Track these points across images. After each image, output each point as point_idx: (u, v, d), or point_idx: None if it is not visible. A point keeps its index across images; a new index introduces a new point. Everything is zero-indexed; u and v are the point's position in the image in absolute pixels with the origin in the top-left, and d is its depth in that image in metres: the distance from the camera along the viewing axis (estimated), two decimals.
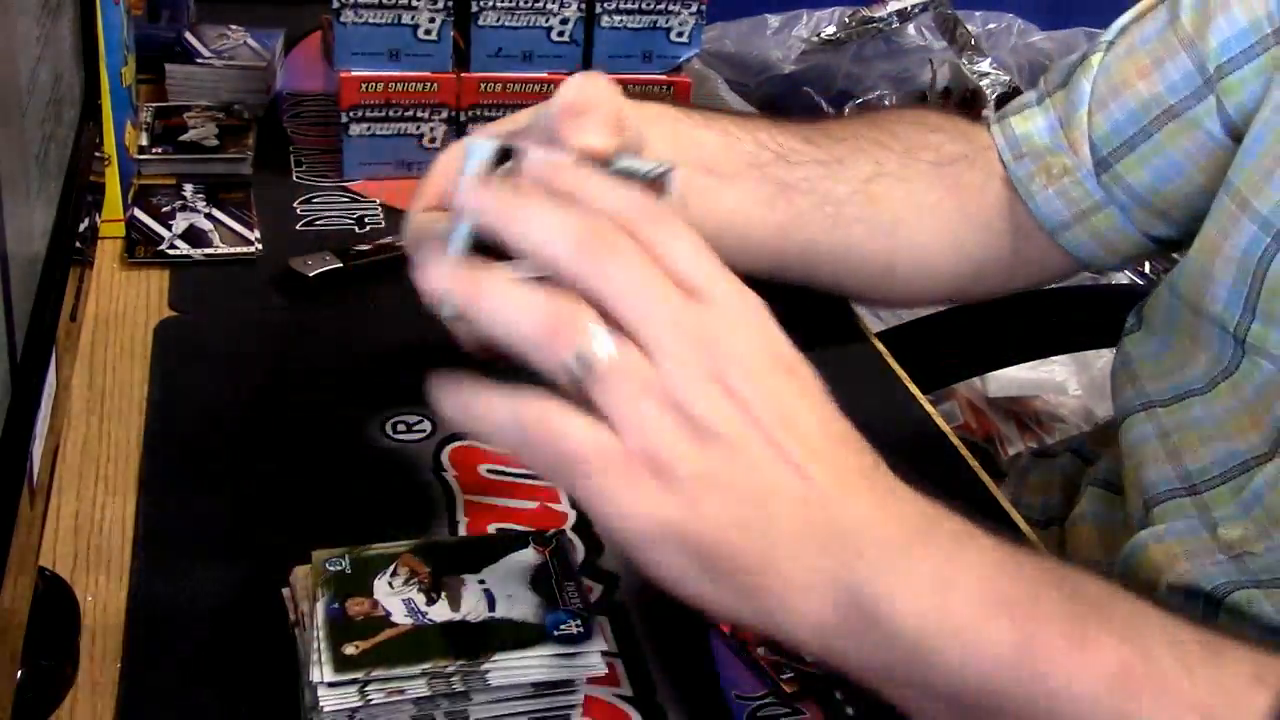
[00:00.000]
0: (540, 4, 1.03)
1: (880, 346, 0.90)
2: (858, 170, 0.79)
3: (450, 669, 0.52)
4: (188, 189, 1.00)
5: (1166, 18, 0.82)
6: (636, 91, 1.07)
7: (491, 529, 0.69)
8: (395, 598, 0.55)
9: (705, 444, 0.45)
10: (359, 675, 0.52)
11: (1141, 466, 0.81)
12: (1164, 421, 0.81)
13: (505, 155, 0.53)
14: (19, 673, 0.54)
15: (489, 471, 0.74)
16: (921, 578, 0.46)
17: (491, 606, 0.55)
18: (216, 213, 0.97)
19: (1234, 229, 0.76)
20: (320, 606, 0.54)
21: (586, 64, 1.06)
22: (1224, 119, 0.78)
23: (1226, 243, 0.76)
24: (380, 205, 1.03)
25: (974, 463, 0.80)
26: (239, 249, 0.94)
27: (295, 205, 1.02)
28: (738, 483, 0.46)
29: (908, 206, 0.81)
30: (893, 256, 0.82)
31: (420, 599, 0.55)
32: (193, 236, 0.94)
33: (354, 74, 1.02)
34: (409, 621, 0.54)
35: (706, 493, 0.45)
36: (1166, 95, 0.80)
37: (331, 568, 0.56)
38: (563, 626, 0.54)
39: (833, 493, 0.47)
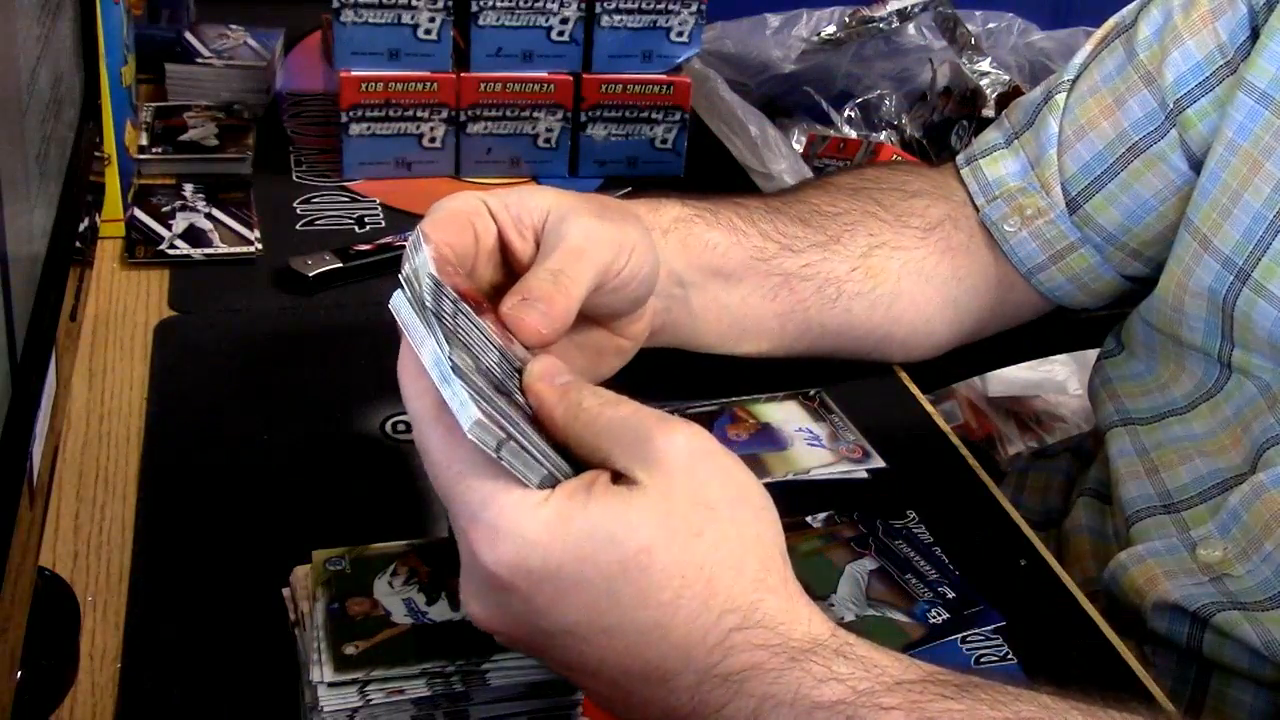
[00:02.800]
0: (540, 4, 1.03)
1: None
2: (855, 246, 0.80)
3: (450, 669, 0.52)
4: (188, 189, 1.00)
5: (1124, 54, 0.82)
6: (638, 91, 1.07)
7: None
8: (395, 597, 0.55)
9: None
10: (359, 675, 0.52)
11: (1121, 482, 0.81)
12: (1144, 439, 0.82)
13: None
14: (19, 673, 0.54)
15: None
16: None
17: None
18: (216, 212, 0.97)
19: (1197, 267, 0.76)
20: (320, 606, 0.54)
21: (586, 64, 1.06)
22: (1187, 153, 0.78)
23: (1191, 280, 0.77)
24: (380, 205, 1.03)
25: (974, 463, 0.80)
26: (239, 249, 0.94)
27: (295, 205, 1.02)
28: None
29: (905, 276, 0.81)
30: (892, 327, 0.83)
31: (420, 599, 0.55)
32: (193, 236, 0.94)
33: (354, 74, 1.02)
34: (409, 621, 0.54)
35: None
36: (1130, 132, 0.80)
37: (331, 567, 0.56)
38: None
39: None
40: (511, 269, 0.63)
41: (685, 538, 0.47)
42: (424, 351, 0.48)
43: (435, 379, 0.47)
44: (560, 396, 0.51)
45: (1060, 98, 0.84)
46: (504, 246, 0.63)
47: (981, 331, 0.88)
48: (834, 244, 0.79)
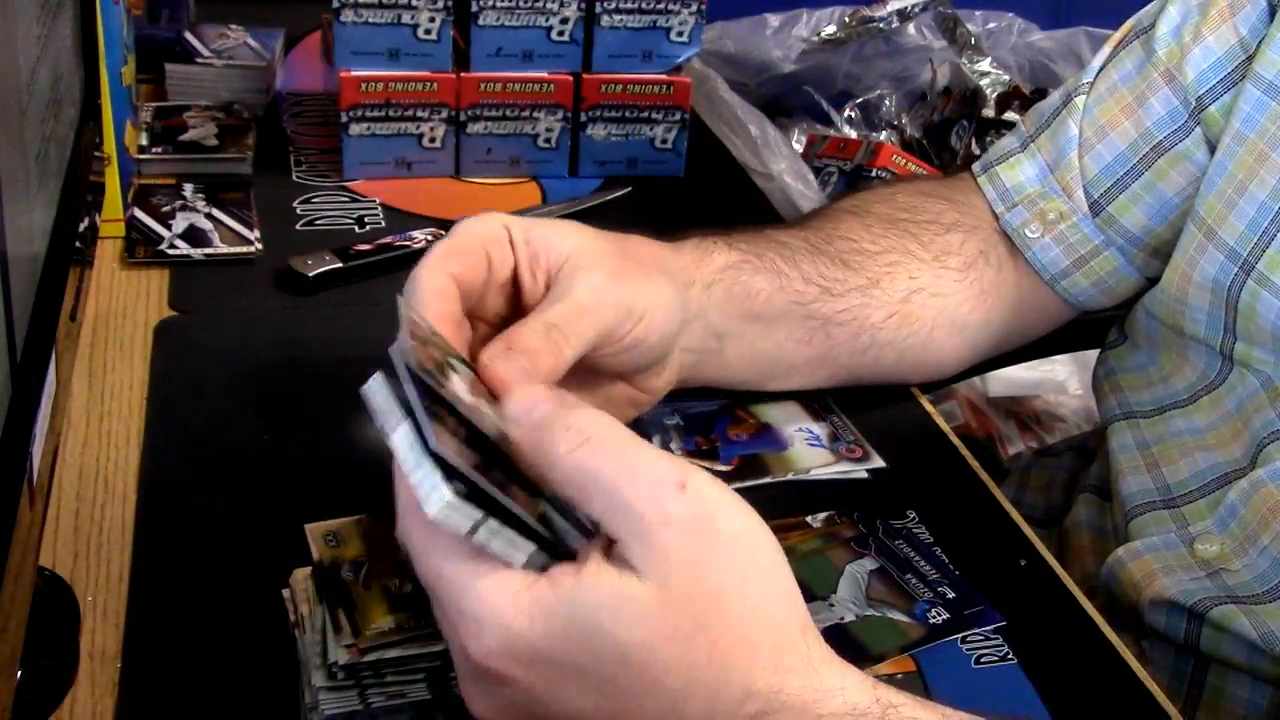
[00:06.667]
0: (540, 4, 1.02)
1: None
2: (894, 290, 0.79)
3: (452, 672, 0.52)
4: (188, 189, 1.00)
5: (1143, 54, 0.81)
6: (638, 91, 1.07)
7: None
8: None
9: None
10: (359, 678, 0.52)
11: (1121, 476, 0.81)
12: (1145, 432, 0.82)
13: None
14: (19, 673, 0.54)
15: None
16: None
17: None
18: (216, 212, 0.97)
19: (1202, 258, 0.76)
20: (320, 610, 0.54)
21: (586, 64, 1.06)
22: (1212, 150, 0.78)
23: (1196, 272, 0.76)
24: (380, 205, 1.03)
25: (974, 463, 0.80)
26: (239, 249, 0.94)
27: (295, 205, 1.02)
28: None
29: (938, 326, 0.81)
30: (912, 372, 0.83)
31: None
32: (193, 236, 0.94)
33: (354, 74, 1.02)
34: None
35: None
36: (1154, 131, 0.80)
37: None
38: None
39: None
40: (519, 304, 0.62)
41: (689, 632, 0.44)
42: (395, 437, 0.45)
43: (406, 466, 0.44)
44: (534, 444, 0.47)
45: (1080, 100, 0.83)
46: (515, 280, 0.62)
47: (994, 354, 0.88)
48: (874, 287, 0.78)
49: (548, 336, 0.57)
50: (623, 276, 0.62)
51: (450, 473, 0.44)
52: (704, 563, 0.45)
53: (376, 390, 0.47)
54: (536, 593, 0.45)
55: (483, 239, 0.61)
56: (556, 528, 0.47)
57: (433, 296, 0.58)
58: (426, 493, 0.43)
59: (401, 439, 0.45)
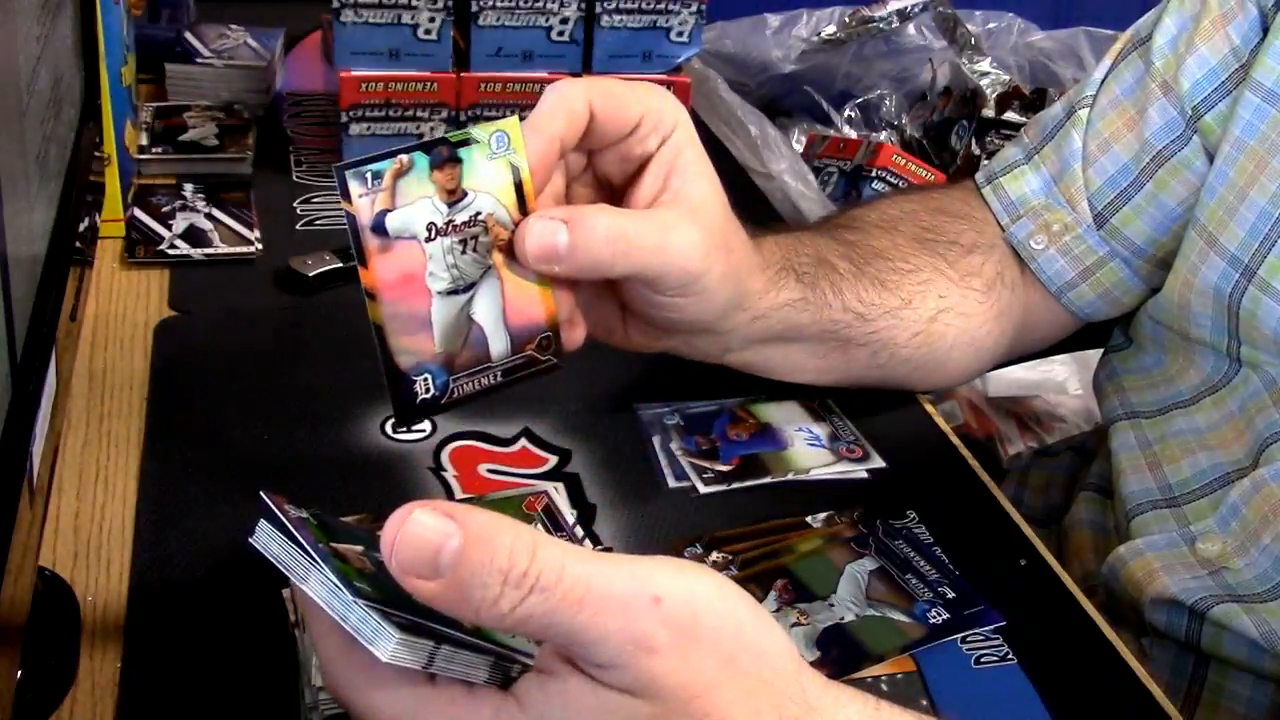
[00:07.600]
0: (540, 4, 1.02)
1: None
2: (924, 309, 0.78)
3: None
4: (188, 189, 1.00)
5: (1142, 66, 0.82)
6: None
7: None
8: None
9: None
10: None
11: (1123, 475, 0.81)
12: (1147, 432, 0.82)
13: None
14: (19, 673, 0.54)
15: (489, 471, 0.74)
16: None
17: None
18: (216, 212, 0.97)
19: (1203, 265, 0.76)
20: None
21: (586, 64, 1.06)
22: (1210, 158, 0.78)
23: (1198, 279, 0.77)
24: None
25: (974, 463, 0.80)
26: (239, 249, 0.94)
27: (295, 205, 1.02)
28: None
29: (960, 344, 0.81)
30: (925, 382, 0.83)
31: None
32: (193, 236, 0.94)
33: (354, 74, 1.02)
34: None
35: None
36: (1153, 141, 0.80)
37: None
38: None
39: None
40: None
41: None
42: (312, 586, 0.43)
43: (336, 613, 0.43)
44: (455, 600, 0.42)
45: (1083, 113, 0.83)
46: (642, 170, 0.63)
47: (999, 366, 0.88)
48: (905, 308, 0.78)
49: (609, 240, 0.58)
50: (711, 253, 0.63)
51: (384, 609, 0.42)
52: (694, 667, 0.43)
53: (267, 540, 0.45)
54: (509, 717, 0.43)
55: (637, 117, 0.62)
56: (496, 637, 0.45)
57: (546, 119, 0.59)
58: (372, 635, 0.42)
59: (319, 587, 0.43)
